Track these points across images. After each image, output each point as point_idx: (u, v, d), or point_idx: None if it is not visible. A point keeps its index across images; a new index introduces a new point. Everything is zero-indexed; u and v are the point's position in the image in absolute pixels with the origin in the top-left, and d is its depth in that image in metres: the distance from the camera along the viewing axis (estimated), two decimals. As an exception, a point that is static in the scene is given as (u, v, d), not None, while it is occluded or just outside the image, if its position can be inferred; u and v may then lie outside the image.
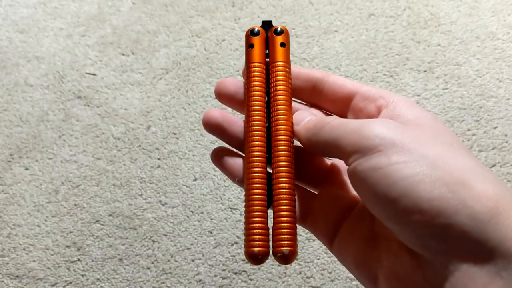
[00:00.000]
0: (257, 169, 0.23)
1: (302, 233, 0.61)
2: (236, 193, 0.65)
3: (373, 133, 0.18)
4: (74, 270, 0.62)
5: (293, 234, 0.22)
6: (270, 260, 0.64)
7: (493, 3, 0.79)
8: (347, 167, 0.19)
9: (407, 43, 0.77)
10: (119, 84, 0.79)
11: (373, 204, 0.18)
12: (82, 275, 0.62)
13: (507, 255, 0.16)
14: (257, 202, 0.23)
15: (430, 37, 0.77)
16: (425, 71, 0.73)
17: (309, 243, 0.60)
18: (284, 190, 0.22)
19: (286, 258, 0.21)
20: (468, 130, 0.67)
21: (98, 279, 0.61)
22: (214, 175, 0.67)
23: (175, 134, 0.71)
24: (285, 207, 0.22)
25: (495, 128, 0.67)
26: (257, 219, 0.22)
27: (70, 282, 0.61)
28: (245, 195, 0.23)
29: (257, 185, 0.23)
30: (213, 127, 0.25)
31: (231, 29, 0.83)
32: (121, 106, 0.76)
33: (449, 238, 0.16)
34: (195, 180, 0.67)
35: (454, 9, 0.80)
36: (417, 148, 0.17)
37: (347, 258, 0.22)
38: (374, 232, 0.21)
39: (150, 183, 0.67)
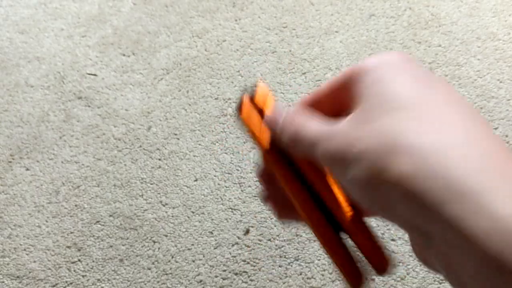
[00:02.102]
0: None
1: (303, 234, 0.61)
2: (237, 193, 0.65)
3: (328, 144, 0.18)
4: (74, 270, 0.62)
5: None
6: (271, 261, 0.64)
7: (493, 4, 0.79)
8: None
9: (407, 43, 0.77)
10: (119, 85, 0.79)
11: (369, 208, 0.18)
12: (83, 276, 0.62)
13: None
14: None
15: (430, 37, 0.77)
16: (425, 71, 0.73)
17: (309, 244, 0.60)
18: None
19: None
20: (469, 130, 0.67)
21: (98, 279, 0.61)
22: (214, 176, 0.67)
23: (175, 134, 0.71)
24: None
25: (496, 128, 0.66)
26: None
27: (71, 283, 0.61)
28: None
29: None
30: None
31: (232, 30, 0.83)
32: (121, 106, 0.76)
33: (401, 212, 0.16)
34: (196, 180, 0.67)
35: (455, 10, 0.80)
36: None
37: None
38: None
39: (151, 184, 0.67)
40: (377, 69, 0.18)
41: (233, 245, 0.61)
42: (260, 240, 0.60)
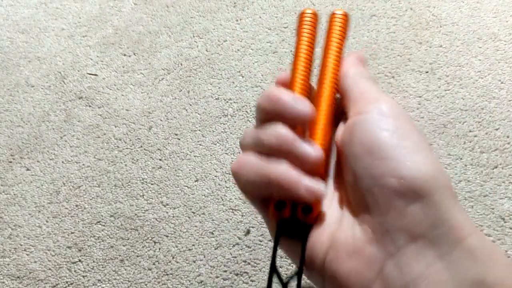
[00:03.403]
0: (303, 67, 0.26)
1: (304, 234, 0.61)
2: (238, 194, 0.65)
3: (388, 104, 0.22)
4: (75, 271, 0.62)
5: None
6: (270, 261, 0.64)
7: (495, 4, 0.79)
8: (351, 115, 0.22)
9: (408, 44, 0.77)
10: (120, 85, 0.79)
11: (364, 155, 0.20)
12: (83, 276, 0.62)
13: (452, 242, 0.18)
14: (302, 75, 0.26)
15: (432, 38, 0.77)
16: (426, 72, 0.73)
17: (310, 245, 0.60)
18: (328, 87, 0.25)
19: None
20: (470, 131, 0.67)
21: (99, 280, 0.61)
22: (215, 176, 0.67)
23: (176, 135, 0.71)
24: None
25: (497, 129, 0.66)
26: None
27: (71, 283, 0.61)
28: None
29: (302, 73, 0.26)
30: None
31: (233, 30, 0.82)
32: (122, 106, 0.76)
33: (411, 215, 0.18)
34: (197, 181, 0.67)
35: (456, 10, 0.79)
36: (414, 129, 0.21)
37: None
38: (341, 196, 0.23)
39: (152, 184, 0.67)
40: None
41: (233, 246, 0.61)
42: (260, 241, 0.60)
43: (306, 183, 0.20)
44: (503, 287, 0.17)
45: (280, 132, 0.21)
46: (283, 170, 0.21)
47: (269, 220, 0.23)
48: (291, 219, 0.22)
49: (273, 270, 0.22)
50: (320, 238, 0.22)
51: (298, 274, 0.22)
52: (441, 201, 0.18)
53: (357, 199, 0.21)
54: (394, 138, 0.20)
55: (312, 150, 0.21)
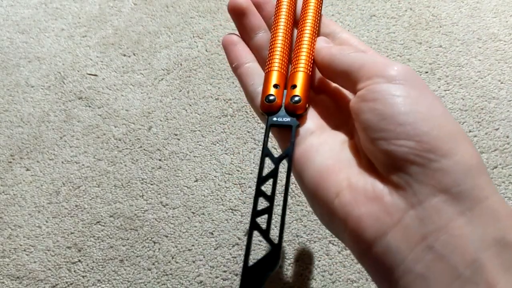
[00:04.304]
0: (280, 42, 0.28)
1: (304, 234, 0.61)
2: (237, 194, 0.65)
3: (399, 68, 0.21)
4: (75, 271, 0.62)
5: (307, 88, 0.25)
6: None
7: (494, 4, 0.79)
8: (360, 88, 0.22)
9: (408, 44, 0.77)
10: (120, 85, 0.79)
11: (378, 122, 0.20)
12: (83, 276, 0.62)
13: (474, 199, 0.18)
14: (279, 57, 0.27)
15: (431, 38, 0.77)
16: (426, 72, 0.73)
17: (310, 245, 0.60)
18: (305, 52, 0.26)
19: (297, 102, 0.25)
20: (470, 131, 0.67)
21: (99, 280, 0.61)
22: (215, 176, 0.67)
23: (176, 135, 0.71)
24: (302, 64, 0.26)
25: (496, 129, 0.66)
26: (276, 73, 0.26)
27: (71, 283, 0.61)
28: (267, 61, 0.27)
29: (280, 53, 0.27)
30: (238, 11, 0.30)
31: (233, 30, 0.82)
32: (122, 107, 0.76)
33: (433, 171, 0.18)
34: (196, 181, 0.67)
35: (456, 10, 0.79)
36: (427, 94, 0.21)
37: (319, 161, 0.23)
38: (355, 151, 0.23)
39: (151, 184, 0.67)
40: None
41: (233, 246, 0.61)
42: (260, 241, 0.60)
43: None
44: None
45: None
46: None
47: (261, 115, 0.26)
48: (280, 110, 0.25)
49: (265, 152, 0.24)
50: (337, 177, 0.21)
51: (289, 155, 0.23)
52: (462, 161, 0.18)
53: (374, 157, 0.21)
54: (407, 104, 0.20)
55: None
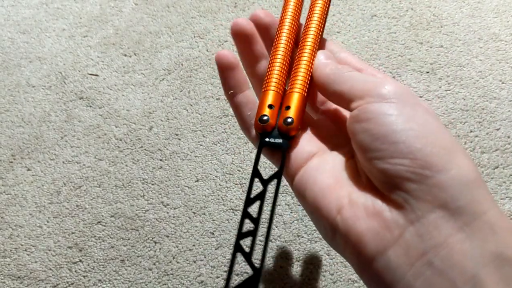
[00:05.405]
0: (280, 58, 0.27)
1: (304, 234, 0.61)
2: (238, 194, 0.65)
3: (390, 87, 0.21)
4: (75, 271, 0.62)
5: (301, 108, 0.25)
6: (271, 262, 0.64)
7: (496, 4, 0.79)
8: (353, 108, 0.22)
9: (409, 44, 0.76)
10: (121, 85, 0.79)
11: (371, 142, 0.20)
12: (84, 276, 0.62)
13: (471, 214, 0.18)
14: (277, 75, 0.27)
15: (432, 38, 0.77)
16: (427, 72, 0.73)
17: (310, 245, 0.60)
18: (303, 70, 0.26)
19: (289, 124, 0.24)
20: (471, 131, 0.67)
21: (99, 280, 0.61)
22: (216, 176, 0.67)
23: (177, 135, 0.71)
24: (299, 83, 0.26)
25: (497, 129, 0.66)
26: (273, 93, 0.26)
27: (72, 283, 0.61)
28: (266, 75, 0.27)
29: (278, 68, 0.27)
30: (242, 37, 0.29)
31: (233, 30, 0.82)
32: (123, 107, 0.76)
33: (430, 187, 0.18)
34: (197, 181, 0.67)
35: (457, 10, 0.79)
36: (420, 110, 0.21)
37: (319, 182, 0.24)
38: (355, 169, 0.23)
39: (152, 184, 0.67)
40: None
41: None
42: (261, 241, 0.60)
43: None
44: None
45: None
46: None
47: (254, 139, 0.26)
48: (273, 132, 0.25)
49: (255, 173, 0.24)
50: (338, 194, 0.22)
51: (278, 175, 0.23)
52: (458, 176, 0.18)
53: (372, 176, 0.21)
54: (399, 122, 0.20)
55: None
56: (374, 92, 0.21)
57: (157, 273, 0.61)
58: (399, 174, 0.19)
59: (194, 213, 0.64)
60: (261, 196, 0.23)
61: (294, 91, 0.25)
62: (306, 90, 0.25)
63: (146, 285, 0.60)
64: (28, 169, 0.71)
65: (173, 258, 0.61)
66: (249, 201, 0.23)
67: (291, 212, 0.62)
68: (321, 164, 0.24)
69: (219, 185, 0.66)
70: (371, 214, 0.20)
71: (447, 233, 0.18)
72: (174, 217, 0.64)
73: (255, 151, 0.68)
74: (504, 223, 0.18)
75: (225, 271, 0.60)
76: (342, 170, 0.23)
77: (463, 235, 0.18)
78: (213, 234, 0.62)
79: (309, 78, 0.26)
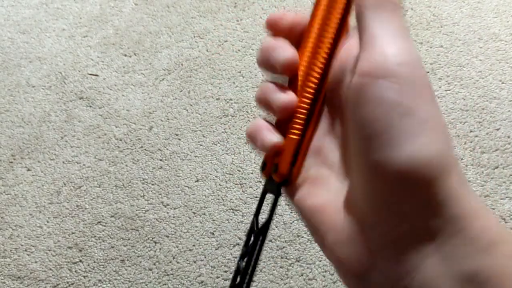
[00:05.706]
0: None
1: (304, 234, 0.61)
2: (238, 194, 0.65)
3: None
4: (76, 271, 0.62)
5: (290, 154, 0.24)
6: (272, 262, 0.64)
7: (495, 4, 0.79)
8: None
9: (409, 44, 0.77)
10: (121, 85, 0.79)
11: (360, 130, 0.18)
12: (84, 276, 0.62)
13: (452, 232, 0.17)
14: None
15: (432, 38, 0.77)
16: (427, 72, 0.73)
17: (311, 245, 0.60)
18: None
19: (276, 171, 0.23)
20: (471, 131, 0.67)
21: (100, 280, 0.61)
22: (216, 176, 0.67)
23: (177, 135, 0.71)
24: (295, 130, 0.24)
25: (497, 129, 0.66)
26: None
27: (72, 283, 0.61)
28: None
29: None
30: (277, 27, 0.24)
31: (233, 30, 0.82)
32: (123, 107, 0.76)
33: (409, 206, 0.17)
34: (197, 181, 0.67)
35: (457, 10, 0.79)
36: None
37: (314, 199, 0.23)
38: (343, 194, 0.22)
39: (152, 184, 0.67)
40: None
41: (234, 246, 0.61)
42: (261, 241, 0.60)
43: (261, 136, 0.22)
44: (499, 279, 0.16)
45: (264, 84, 0.22)
46: (253, 123, 0.22)
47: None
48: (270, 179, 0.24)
49: (254, 223, 0.24)
50: (329, 217, 0.22)
51: (266, 224, 0.23)
52: (442, 188, 0.17)
53: (355, 189, 0.20)
54: (396, 113, 0.17)
55: (282, 96, 0.21)
56: (380, 62, 0.18)
57: (157, 273, 0.61)
58: (380, 182, 0.18)
59: (194, 213, 0.64)
60: (251, 249, 0.23)
61: (288, 134, 0.24)
62: (302, 132, 0.24)
63: (146, 285, 0.60)
64: (28, 169, 0.71)
65: (173, 258, 0.62)
66: (242, 253, 0.24)
67: (291, 212, 0.62)
68: (317, 190, 0.24)
69: (219, 185, 0.66)
70: (353, 240, 0.20)
71: (424, 253, 0.17)
72: (174, 217, 0.64)
73: (255, 151, 0.68)
74: (488, 235, 0.17)
75: (225, 271, 0.60)
76: (335, 196, 0.23)
77: (439, 255, 0.17)
78: (213, 234, 0.62)
79: (304, 118, 0.24)
